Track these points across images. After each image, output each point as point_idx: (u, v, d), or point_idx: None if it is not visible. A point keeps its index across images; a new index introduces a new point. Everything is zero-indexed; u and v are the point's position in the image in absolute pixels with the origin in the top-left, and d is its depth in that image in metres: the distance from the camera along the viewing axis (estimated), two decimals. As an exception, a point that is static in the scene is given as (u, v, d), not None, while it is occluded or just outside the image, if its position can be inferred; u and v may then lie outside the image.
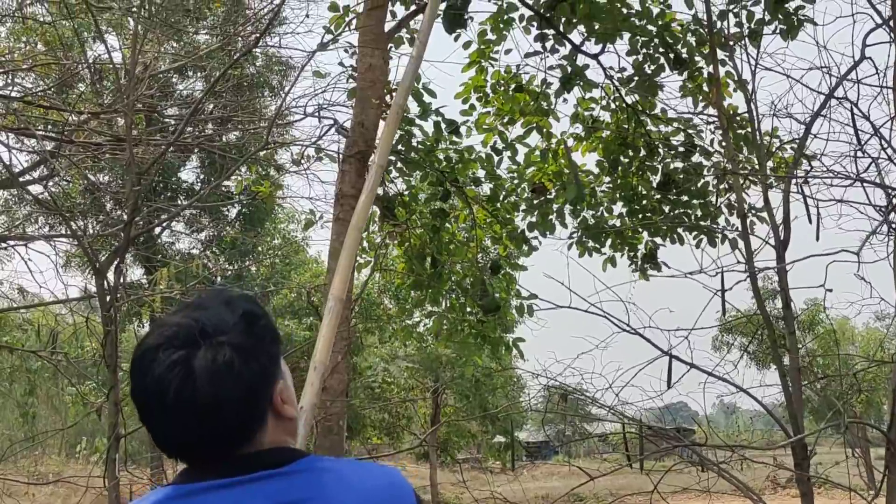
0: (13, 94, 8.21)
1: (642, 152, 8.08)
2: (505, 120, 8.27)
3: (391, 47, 7.01)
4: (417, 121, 7.49)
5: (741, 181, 6.28)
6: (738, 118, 7.70)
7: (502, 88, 8.29)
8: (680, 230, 7.95)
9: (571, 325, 5.83)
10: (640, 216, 8.24)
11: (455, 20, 7.29)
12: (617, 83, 7.88)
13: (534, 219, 8.38)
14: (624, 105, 8.00)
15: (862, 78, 5.25)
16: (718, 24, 6.89)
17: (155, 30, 8.50)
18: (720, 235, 7.62)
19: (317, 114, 6.80)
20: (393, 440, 29.84)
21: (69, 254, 16.90)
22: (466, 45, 8.04)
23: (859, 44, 5.26)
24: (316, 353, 2.29)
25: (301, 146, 7.52)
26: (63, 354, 8.14)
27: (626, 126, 8.08)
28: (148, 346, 1.44)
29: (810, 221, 5.49)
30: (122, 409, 5.51)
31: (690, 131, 7.98)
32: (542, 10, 7.53)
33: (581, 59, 7.76)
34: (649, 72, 7.73)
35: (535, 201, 8.37)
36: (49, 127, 9.20)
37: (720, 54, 6.83)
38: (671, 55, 7.61)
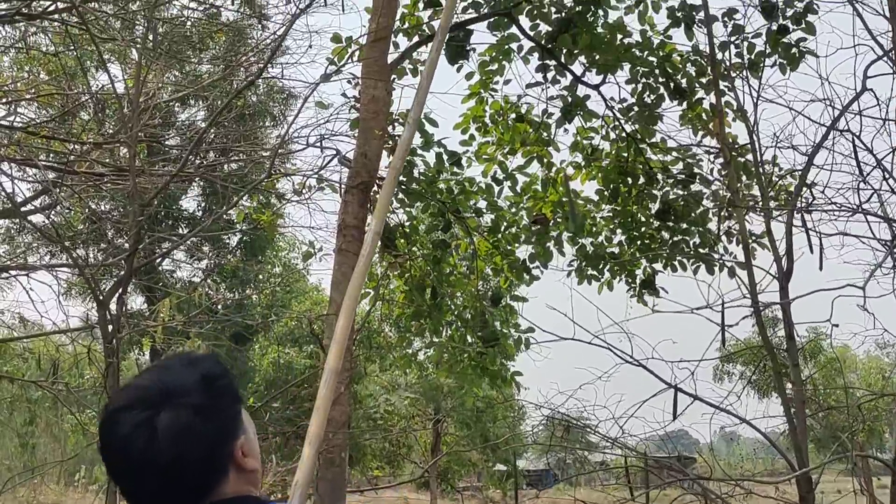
0: (16, 124, 8.23)
1: (641, 180, 8.11)
2: (506, 150, 8.31)
3: (394, 79, 7.04)
4: (419, 151, 7.53)
5: (744, 213, 6.29)
6: (738, 147, 7.73)
7: (502, 119, 8.34)
8: (679, 258, 7.96)
9: (574, 356, 5.82)
10: (639, 244, 8.26)
11: (457, 52, 7.37)
12: (617, 113, 7.93)
13: (534, 249, 8.40)
14: (624, 134, 8.04)
15: (863, 109, 5.29)
16: (720, 55, 6.94)
17: (158, 60, 8.55)
18: (718, 264, 7.64)
19: (319, 144, 6.82)
20: (394, 469, 29.62)
21: (70, 282, 16.89)
22: (469, 76, 8.10)
23: (861, 75, 5.30)
24: (311, 425, 2.26)
25: (303, 176, 7.54)
26: (64, 384, 8.12)
27: (625, 154, 8.12)
28: (114, 408, 1.52)
29: (812, 251, 5.48)
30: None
31: (690, 160, 8.02)
32: (543, 42, 7.60)
33: (581, 90, 7.82)
34: (649, 101, 7.78)
35: (536, 231, 8.38)
36: (51, 156, 9.23)
37: (721, 85, 6.87)
38: (671, 85, 7.67)
